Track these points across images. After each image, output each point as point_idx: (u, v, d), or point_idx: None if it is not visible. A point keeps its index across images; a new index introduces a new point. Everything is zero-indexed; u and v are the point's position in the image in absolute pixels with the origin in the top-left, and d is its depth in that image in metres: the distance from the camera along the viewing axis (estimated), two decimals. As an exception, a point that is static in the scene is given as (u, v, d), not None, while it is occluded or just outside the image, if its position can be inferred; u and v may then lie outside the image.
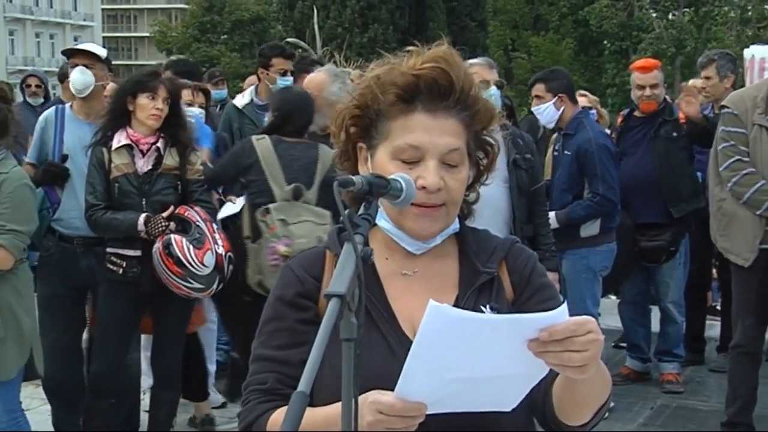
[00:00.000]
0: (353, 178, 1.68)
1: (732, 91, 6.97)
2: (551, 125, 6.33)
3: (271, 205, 4.90)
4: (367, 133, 1.93)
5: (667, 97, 6.80)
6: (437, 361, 1.58)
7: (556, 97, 6.13)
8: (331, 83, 5.46)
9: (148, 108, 4.72)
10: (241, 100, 6.89)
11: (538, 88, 6.21)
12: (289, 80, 6.73)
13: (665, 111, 6.62)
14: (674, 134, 6.54)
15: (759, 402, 5.43)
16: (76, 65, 5.26)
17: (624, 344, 7.32)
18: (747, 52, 8.19)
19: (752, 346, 5.28)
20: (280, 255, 4.78)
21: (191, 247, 4.63)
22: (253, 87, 6.98)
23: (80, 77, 5.21)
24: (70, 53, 5.49)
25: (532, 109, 6.33)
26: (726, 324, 7.15)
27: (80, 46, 5.55)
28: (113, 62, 5.98)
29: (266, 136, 5.09)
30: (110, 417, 5.01)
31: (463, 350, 1.56)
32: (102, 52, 5.40)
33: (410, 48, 1.93)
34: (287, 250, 4.78)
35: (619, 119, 6.88)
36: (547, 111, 6.17)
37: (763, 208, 5.00)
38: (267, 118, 5.44)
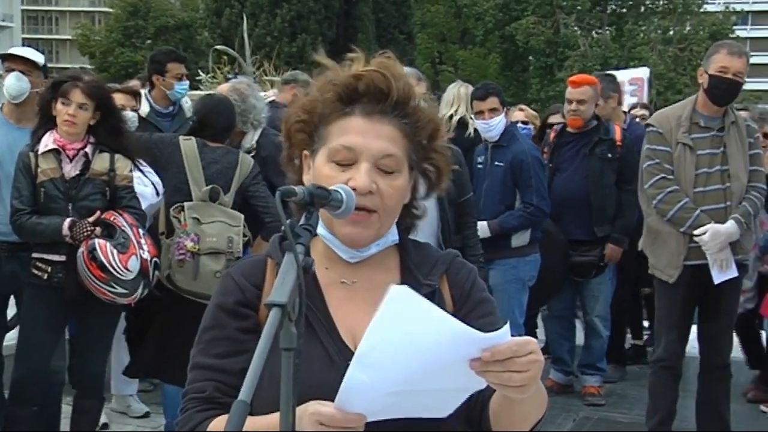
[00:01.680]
0: (295, 188, 1.67)
1: (617, 111, 7.21)
2: (496, 138, 6.27)
3: (185, 204, 4.97)
4: (311, 139, 1.93)
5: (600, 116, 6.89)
6: (378, 372, 1.58)
7: (504, 110, 6.22)
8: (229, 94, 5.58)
9: (62, 113, 4.65)
10: (142, 109, 6.61)
11: (494, 101, 6.19)
12: (185, 84, 6.65)
13: (600, 130, 6.70)
14: (609, 155, 6.63)
15: (678, 415, 5.54)
16: (12, 70, 5.16)
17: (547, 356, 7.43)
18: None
19: (673, 360, 5.39)
20: (187, 250, 4.86)
21: (115, 251, 4.58)
22: (145, 93, 6.73)
23: (16, 83, 5.13)
24: (6, 58, 5.37)
25: (485, 122, 6.19)
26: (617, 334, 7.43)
27: (17, 52, 5.44)
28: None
29: (192, 138, 5.18)
30: (31, 425, 4.90)
31: (407, 356, 1.56)
32: (40, 59, 5.31)
33: (353, 55, 1.94)
34: (194, 246, 4.86)
35: (552, 134, 6.96)
36: (500, 124, 6.20)
37: (687, 225, 5.11)
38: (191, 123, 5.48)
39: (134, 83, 8.11)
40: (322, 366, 1.80)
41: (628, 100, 8.96)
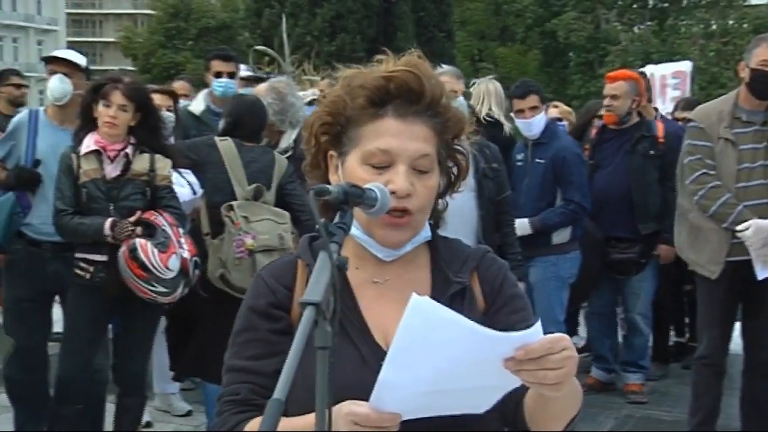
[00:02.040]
0: (328, 186, 1.68)
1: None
2: (537, 136, 6.23)
3: (234, 203, 4.98)
4: (337, 140, 1.92)
5: (642, 112, 6.82)
6: (412, 372, 1.58)
7: (545, 108, 6.18)
8: (264, 96, 5.60)
9: (103, 115, 4.71)
10: (196, 107, 6.73)
11: (534, 99, 6.15)
12: (223, 82, 6.67)
13: (642, 126, 6.64)
14: (651, 152, 6.57)
15: (722, 413, 5.48)
16: (55, 72, 5.23)
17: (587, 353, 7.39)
18: (646, 70, 8.46)
19: (716, 358, 5.33)
20: (247, 248, 4.87)
21: (156, 251, 4.62)
22: (206, 92, 6.85)
23: (59, 85, 5.20)
24: (49, 60, 5.44)
25: (526, 120, 6.16)
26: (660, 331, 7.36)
27: (60, 54, 5.52)
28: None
29: (228, 138, 5.19)
30: (75, 423, 4.96)
31: (439, 357, 1.56)
32: (82, 61, 5.37)
33: (381, 56, 1.93)
34: (253, 243, 4.88)
35: (594, 131, 6.90)
36: (541, 122, 6.16)
37: (729, 221, 5.05)
38: (220, 124, 5.48)
39: (180, 84, 8.20)
40: (355, 366, 1.81)
41: (670, 94, 8.84)
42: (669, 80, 8.81)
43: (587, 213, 6.29)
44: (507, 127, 6.66)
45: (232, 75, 6.71)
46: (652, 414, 6.51)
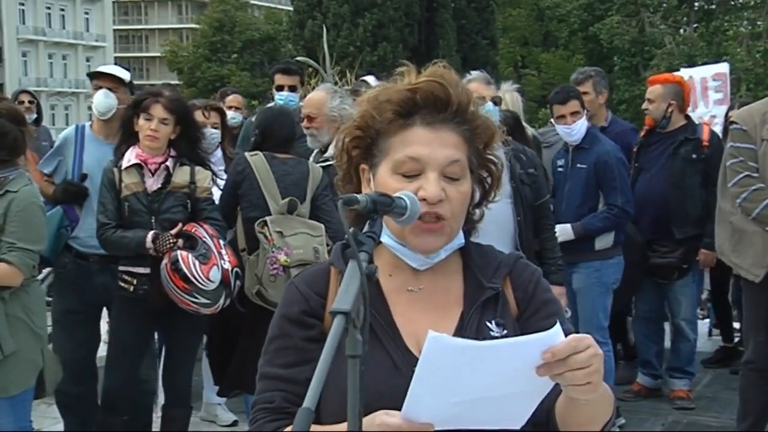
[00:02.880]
0: (357, 196, 1.69)
1: (604, 107, 7.03)
2: (578, 141, 6.15)
3: (267, 218, 5.00)
4: (368, 153, 1.93)
5: (691, 116, 6.76)
6: (441, 385, 1.59)
7: (585, 112, 6.13)
8: (330, 99, 5.56)
9: (144, 129, 4.77)
10: None
11: (575, 105, 6.08)
12: (284, 96, 6.72)
13: (687, 129, 6.59)
14: (693, 156, 6.50)
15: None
16: (100, 88, 5.33)
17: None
18: (682, 74, 8.29)
19: (763, 362, 5.25)
20: (280, 264, 4.89)
21: (197, 262, 4.66)
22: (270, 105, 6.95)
23: (104, 100, 5.30)
24: (95, 76, 5.54)
25: (567, 126, 6.07)
26: None
27: (104, 69, 5.62)
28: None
29: (259, 152, 5.21)
30: (122, 434, 5.02)
31: (467, 375, 1.58)
32: (126, 76, 5.47)
33: (402, 69, 1.94)
34: (286, 259, 4.89)
35: (642, 133, 6.85)
36: (582, 127, 6.08)
37: (773, 224, 4.99)
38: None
39: (232, 97, 8.33)
40: (388, 373, 1.81)
41: (713, 96, 8.70)
42: (710, 83, 8.67)
43: (630, 218, 6.24)
44: (530, 131, 6.63)
45: (293, 88, 6.79)
46: (700, 420, 6.44)
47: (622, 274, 6.17)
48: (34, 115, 8.96)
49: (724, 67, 8.87)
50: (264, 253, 4.94)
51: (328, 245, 5.03)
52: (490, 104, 5.09)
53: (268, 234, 4.96)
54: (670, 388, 6.85)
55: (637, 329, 7.16)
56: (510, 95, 6.70)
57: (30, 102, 9.07)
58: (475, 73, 5.41)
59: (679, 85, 6.70)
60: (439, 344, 1.56)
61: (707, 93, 8.60)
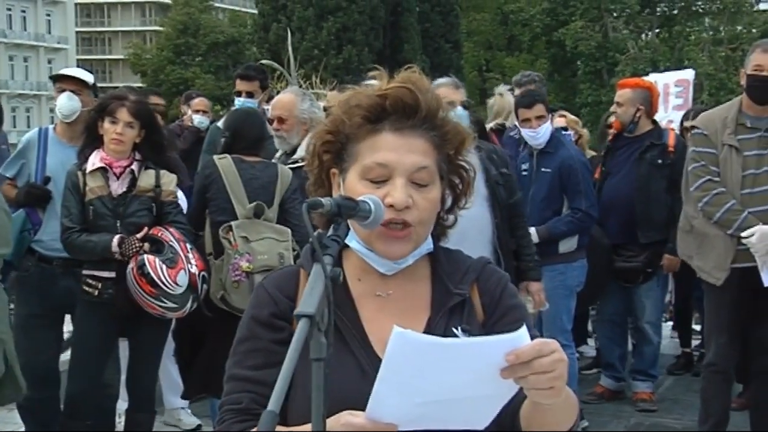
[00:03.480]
0: (322, 200, 1.69)
1: None
2: (543, 145, 6.17)
3: (233, 223, 4.98)
4: (338, 158, 1.94)
5: (657, 121, 6.81)
6: (406, 384, 1.60)
7: (550, 117, 6.17)
8: (300, 101, 5.56)
9: (110, 132, 4.75)
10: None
11: (540, 109, 6.08)
12: (241, 101, 6.72)
13: (653, 134, 6.63)
14: (659, 161, 6.54)
15: (731, 420, 5.47)
16: (63, 90, 5.29)
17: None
18: (647, 80, 8.36)
19: (725, 365, 5.32)
20: (243, 270, 4.88)
21: (164, 266, 4.64)
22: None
23: (67, 103, 5.26)
24: (58, 78, 5.51)
25: (533, 130, 6.07)
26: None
27: (67, 72, 5.59)
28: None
29: (227, 155, 5.18)
30: (85, 439, 4.98)
31: (431, 374, 1.59)
32: (89, 78, 5.43)
33: (374, 72, 1.95)
34: (249, 266, 4.88)
35: (610, 138, 6.90)
36: (547, 131, 6.10)
37: (734, 228, 5.04)
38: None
39: (199, 101, 8.34)
40: (355, 378, 1.82)
41: (673, 102, 8.79)
42: (672, 89, 8.76)
43: (594, 221, 6.29)
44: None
45: (250, 94, 6.80)
46: (662, 421, 6.50)
47: (587, 276, 6.22)
48: None
49: (688, 74, 8.95)
50: (228, 258, 4.93)
51: (294, 250, 5.03)
52: (460, 108, 5.10)
53: (232, 239, 4.95)
54: (633, 390, 6.91)
55: (600, 332, 7.22)
56: (508, 96, 6.78)
57: None
58: (443, 79, 5.44)
59: (648, 90, 6.75)
60: (404, 340, 1.57)
61: (668, 98, 8.70)
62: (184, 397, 5.70)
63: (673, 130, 6.93)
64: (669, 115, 8.60)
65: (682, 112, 7.94)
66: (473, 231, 4.81)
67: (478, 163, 4.92)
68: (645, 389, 6.84)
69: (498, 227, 5.08)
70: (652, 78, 8.84)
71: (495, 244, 5.03)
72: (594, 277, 6.28)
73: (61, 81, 5.42)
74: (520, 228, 5.36)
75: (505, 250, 5.07)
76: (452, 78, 5.52)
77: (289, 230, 5.06)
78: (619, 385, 7.03)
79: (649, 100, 6.67)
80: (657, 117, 7.73)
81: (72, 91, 5.30)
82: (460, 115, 4.93)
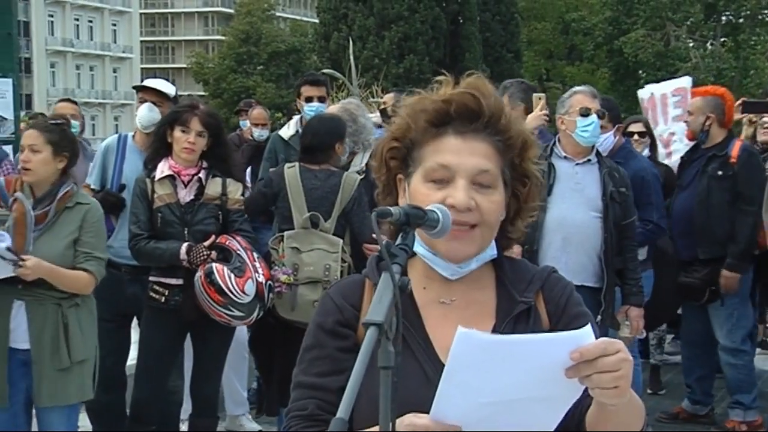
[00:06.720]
0: (390, 208, 1.71)
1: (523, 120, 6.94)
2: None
3: (285, 233, 5.04)
4: (404, 164, 1.96)
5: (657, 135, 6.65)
6: (470, 384, 1.62)
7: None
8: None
9: (182, 141, 4.82)
10: (286, 132, 6.77)
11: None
12: (314, 107, 6.76)
13: (719, 145, 6.30)
14: (719, 172, 6.22)
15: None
16: (145, 101, 5.40)
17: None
18: (643, 93, 8.10)
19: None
20: (282, 283, 4.93)
21: (232, 275, 4.70)
22: (297, 118, 6.93)
23: (147, 114, 5.39)
24: (140, 89, 5.62)
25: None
26: None
27: (149, 84, 5.71)
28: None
29: (296, 164, 5.21)
30: (150, 444, 5.06)
31: (495, 373, 1.60)
32: (171, 91, 5.54)
33: (440, 78, 1.97)
34: (287, 278, 4.93)
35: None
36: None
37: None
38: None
39: (257, 112, 8.46)
40: (419, 384, 1.83)
41: (672, 112, 8.33)
42: (670, 99, 8.28)
43: (664, 233, 6.11)
44: None
45: (322, 99, 6.80)
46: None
47: (656, 292, 6.06)
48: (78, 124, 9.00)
49: (685, 82, 8.48)
50: (273, 270, 4.98)
51: (344, 261, 5.04)
52: (594, 116, 5.07)
53: (281, 250, 5.00)
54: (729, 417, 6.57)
55: (682, 352, 7.03)
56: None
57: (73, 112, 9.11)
58: (581, 87, 5.40)
59: (721, 98, 6.42)
60: (468, 340, 1.58)
61: (666, 109, 8.24)
62: (269, 413, 5.73)
63: (740, 140, 6.60)
64: (670, 128, 8.07)
65: (682, 123, 7.61)
66: (579, 237, 4.88)
67: (597, 176, 4.99)
68: (733, 417, 6.49)
69: (606, 242, 5.02)
70: (648, 89, 8.47)
71: (601, 259, 5.00)
72: (660, 291, 6.13)
73: (144, 92, 5.54)
74: (629, 251, 5.26)
75: (610, 267, 5.01)
76: (590, 87, 5.46)
77: (341, 241, 5.05)
78: (695, 408, 6.70)
79: (721, 109, 6.33)
80: (656, 131, 7.48)
81: (153, 102, 5.41)
82: (592, 123, 5.00)
